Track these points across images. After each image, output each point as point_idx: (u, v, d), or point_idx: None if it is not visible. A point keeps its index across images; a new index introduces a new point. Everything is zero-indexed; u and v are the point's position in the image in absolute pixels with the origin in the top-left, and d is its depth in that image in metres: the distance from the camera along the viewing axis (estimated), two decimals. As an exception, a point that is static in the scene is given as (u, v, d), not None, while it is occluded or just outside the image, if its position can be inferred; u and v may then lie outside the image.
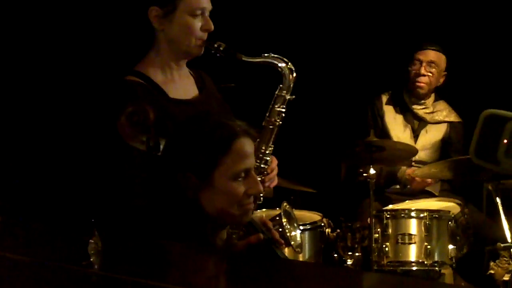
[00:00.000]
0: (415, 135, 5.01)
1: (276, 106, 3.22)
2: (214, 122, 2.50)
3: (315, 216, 4.46)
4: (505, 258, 4.03)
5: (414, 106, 5.03)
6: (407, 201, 4.68)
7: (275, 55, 3.19)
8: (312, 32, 5.38)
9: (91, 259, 1.81)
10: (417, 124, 5.03)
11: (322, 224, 4.37)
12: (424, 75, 4.95)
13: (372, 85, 5.30)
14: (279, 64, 3.19)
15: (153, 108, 2.89)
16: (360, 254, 4.33)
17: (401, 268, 4.24)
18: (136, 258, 2.02)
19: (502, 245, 4.01)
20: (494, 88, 5.25)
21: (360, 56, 5.46)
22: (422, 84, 4.97)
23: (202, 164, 2.42)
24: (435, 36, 5.19)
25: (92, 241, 1.84)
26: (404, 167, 4.87)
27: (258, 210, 4.27)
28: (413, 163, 4.95)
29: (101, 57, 4.27)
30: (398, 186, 4.97)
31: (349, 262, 4.30)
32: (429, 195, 4.93)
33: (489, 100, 5.10)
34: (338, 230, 4.42)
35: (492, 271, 4.05)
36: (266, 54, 3.18)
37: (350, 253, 4.32)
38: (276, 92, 3.23)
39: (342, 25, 5.44)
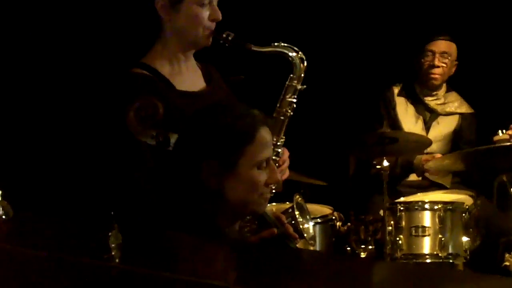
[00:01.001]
0: (427, 127, 4.94)
1: (287, 97, 3.16)
2: (238, 112, 2.53)
3: (325, 210, 4.40)
4: (520, 250, 3.96)
5: (426, 98, 4.96)
6: (419, 194, 4.61)
7: (286, 44, 3.12)
8: (322, 22, 5.31)
9: (112, 253, 1.76)
10: (428, 115, 4.97)
11: (333, 217, 4.31)
12: (438, 67, 4.87)
13: (382, 77, 5.22)
14: (290, 54, 3.13)
15: (161, 101, 2.86)
16: (373, 247, 4.26)
17: (415, 260, 4.17)
18: (154, 250, 1.99)
19: (516, 236, 3.94)
20: (507, 78, 5.18)
21: (369, 48, 5.39)
22: (436, 76, 4.90)
23: (228, 152, 2.45)
24: (444, 25, 5.14)
25: (112, 234, 1.79)
26: (419, 155, 4.78)
27: (268, 204, 4.21)
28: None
29: (108, 49, 4.21)
30: (410, 179, 4.89)
31: (362, 255, 4.23)
32: (441, 187, 4.85)
33: (501, 90, 5.16)
34: (349, 224, 4.36)
35: (507, 263, 3.98)
36: (276, 44, 3.11)
37: (363, 246, 4.25)
38: (287, 82, 3.16)
39: (352, 15, 5.38)
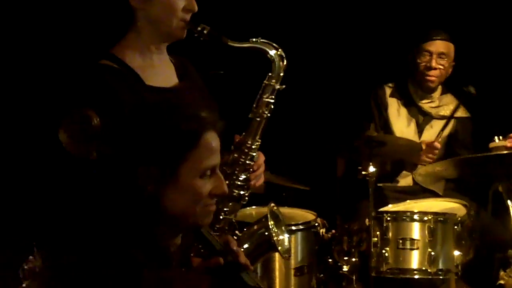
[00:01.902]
0: (419, 130, 4.68)
1: (265, 97, 2.95)
2: (182, 113, 2.26)
3: (308, 215, 4.11)
4: (517, 267, 3.70)
5: (420, 100, 4.70)
6: (408, 201, 4.34)
7: (265, 40, 2.91)
8: (308, 16, 5.07)
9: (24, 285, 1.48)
10: (422, 119, 4.71)
11: (316, 224, 4.00)
12: (435, 68, 4.61)
13: (373, 74, 4.99)
14: (269, 50, 2.92)
15: (95, 111, 2.59)
16: (357, 259, 3.97)
17: (402, 275, 3.89)
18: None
19: (514, 252, 3.68)
20: (505, 81, 4.94)
21: (360, 44, 5.14)
22: (433, 78, 4.65)
23: (168, 157, 2.20)
24: (441, 22, 4.88)
25: (29, 262, 1.51)
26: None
27: (248, 208, 3.98)
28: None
29: (76, 39, 3.94)
30: (400, 184, 4.63)
31: (345, 268, 3.94)
32: (433, 194, 4.60)
33: (498, 93, 4.91)
34: (334, 231, 4.08)
35: (502, 281, 3.72)
36: (254, 39, 2.90)
37: (346, 258, 3.97)
38: (265, 81, 2.95)
39: (340, 10, 5.12)
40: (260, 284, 2.40)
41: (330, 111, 5.07)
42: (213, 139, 2.25)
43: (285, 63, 2.92)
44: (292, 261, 3.76)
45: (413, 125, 4.68)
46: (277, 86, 2.93)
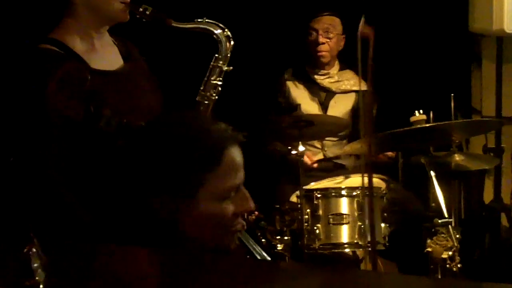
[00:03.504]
0: (324, 107, 4.74)
1: (212, 79, 2.95)
2: (195, 130, 1.95)
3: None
4: (443, 235, 3.80)
5: (317, 77, 4.78)
6: (327, 179, 4.39)
7: (210, 21, 2.90)
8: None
9: (36, 278, 1.41)
10: (324, 95, 4.77)
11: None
12: (323, 43, 4.70)
13: (275, 65, 4.96)
14: (215, 31, 2.90)
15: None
16: (289, 237, 4.01)
17: (334, 250, 3.96)
18: (84, 271, 1.66)
19: (440, 221, 3.79)
20: (406, 58, 5.07)
21: (257, 37, 5.05)
22: (323, 53, 4.73)
23: (183, 184, 1.90)
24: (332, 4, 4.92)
25: (34, 255, 1.44)
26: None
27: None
28: (326, 137, 4.70)
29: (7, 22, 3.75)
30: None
31: (279, 247, 3.98)
32: (344, 170, 4.67)
33: (403, 68, 5.04)
34: (257, 213, 4.09)
35: (429, 249, 3.81)
36: (199, 20, 2.87)
37: (279, 237, 4.00)
38: (212, 63, 2.94)
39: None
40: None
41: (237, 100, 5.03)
42: (236, 155, 1.96)
43: (232, 43, 2.90)
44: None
45: (315, 104, 4.74)
46: (225, 68, 2.92)
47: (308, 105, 4.72)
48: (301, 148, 4.06)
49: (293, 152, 4.09)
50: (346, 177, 4.34)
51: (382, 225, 4.04)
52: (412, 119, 3.99)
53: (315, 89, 4.78)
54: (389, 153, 4.62)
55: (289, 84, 4.78)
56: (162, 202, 1.89)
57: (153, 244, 1.90)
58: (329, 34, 4.71)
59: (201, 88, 2.91)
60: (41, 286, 1.41)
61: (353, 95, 4.81)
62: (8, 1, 3.71)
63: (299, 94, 4.76)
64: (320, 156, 4.70)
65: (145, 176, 1.91)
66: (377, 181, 4.32)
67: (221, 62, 2.91)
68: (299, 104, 4.65)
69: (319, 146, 4.74)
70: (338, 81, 4.80)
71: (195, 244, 1.94)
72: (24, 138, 2.61)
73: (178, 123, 1.96)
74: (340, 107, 4.76)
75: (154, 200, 1.89)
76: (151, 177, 1.91)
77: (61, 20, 2.79)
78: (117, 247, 1.90)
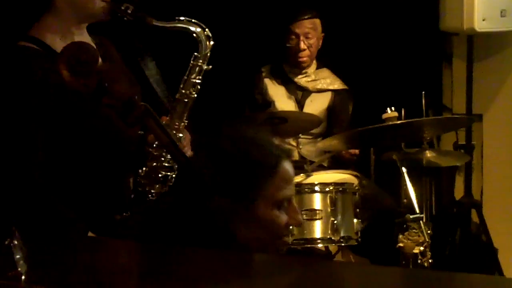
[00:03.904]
0: (300, 106, 4.79)
1: (192, 77, 2.94)
2: (257, 142, 2.16)
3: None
4: (414, 230, 3.87)
5: (294, 76, 4.82)
6: (301, 174, 4.44)
7: (190, 20, 2.90)
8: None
9: (18, 268, 1.45)
10: (300, 94, 4.82)
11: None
12: (304, 49, 4.72)
13: (252, 61, 4.98)
14: (195, 30, 2.91)
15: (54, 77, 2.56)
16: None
17: (307, 245, 4.01)
18: (64, 264, 1.71)
19: (411, 216, 3.86)
20: (378, 56, 5.12)
21: (236, 32, 5.07)
22: (304, 59, 4.76)
23: (244, 189, 2.08)
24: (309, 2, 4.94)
25: (16, 247, 1.47)
26: None
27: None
28: (300, 136, 4.73)
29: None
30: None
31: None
32: (320, 167, 4.72)
33: (374, 66, 5.10)
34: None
35: (401, 244, 3.88)
36: (181, 18, 2.88)
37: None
38: (192, 61, 2.94)
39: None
40: None
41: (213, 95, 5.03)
42: (289, 168, 2.16)
43: (212, 43, 2.92)
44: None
45: (292, 102, 4.78)
46: (204, 67, 2.93)
47: (285, 103, 4.78)
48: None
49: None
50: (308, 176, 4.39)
51: (355, 220, 4.08)
52: (384, 116, 4.05)
53: (291, 87, 4.82)
54: (353, 151, 4.66)
55: (267, 81, 4.82)
56: (221, 205, 2.05)
57: (201, 244, 2.01)
58: (310, 39, 4.73)
59: (181, 86, 2.92)
60: (23, 277, 1.45)
61: (329, 94, 4.86)
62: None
63: (276, 92, 4.80)
64: (295, 154, 4.75)
65: (210, 180, 2.07)
66: (349, 177, 4.38)
67: (200, 61, 2.92)
68: (273, 101, 4.72)
69: (294, 143, 4.78)
70: (314, 80, 4.84)
71: (244, 248, 2.09)
72: (6, 136, 2.62)
73: (243, 135, 2.18)
74: (316, 106, 4.81)
75: (213, 202, 2.05)
76: (216, 181, 2.07)
77: (41, 17, 2.80)
78: (97, 240, 1.97)
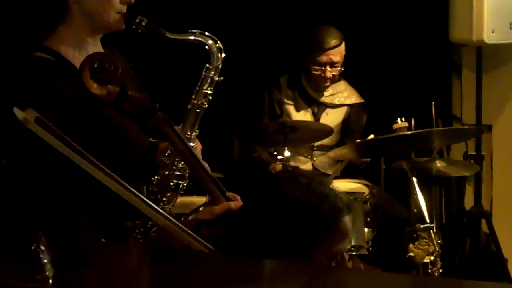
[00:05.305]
0: (316, 119, 4.79)
1: (203, 88, 2.96)
2: (318, 196, 2.08)
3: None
4: (424, 240, 3.90)
5: (312, 91, 4.79)
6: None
7: (203, 32, 2.94)
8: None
9: (46, 272, 1.49)
10: (316, 108, 4.81)
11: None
12: (329, 78, 4.66)
13: (267, 68, 5.03)
14: (207, 42, 2.94)
15: (68, 88, 2.65)
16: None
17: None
18: (89, 266, 1.73)
19: (421, 226, 3.89)
20: (389, 67, 5.18)
21: (253, 39, 5.15)
22: (327, 84, 4.71)
23: (301, 245, 2.04)
24: (328, 15, 4.97)
25: (43, 251, 1.52)
26: (274, 164, 4.58)
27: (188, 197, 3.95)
28: (315, 148, 4.79)
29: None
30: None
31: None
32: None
33: (385, 77, 5.14)
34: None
35: (411, 253, 3.91)
36: (193, 31, 2.92)
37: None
38: (203, 73, 2.97)
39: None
40: None
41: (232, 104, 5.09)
42: (349, 222, 2.11)
43: (223, 55, 2.95)
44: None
45: (309, 115, 4.79)
46: (216, 78, 2.96)
47: (301, 116, 4.77)
48: (287, 153, 4.14)
49: (279, 157, 4.17)
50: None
51: (366, 229, 4.15)
52: (394, 126, 4.10)
53: (309, 101, 4.81)
54: (364, 160, 4.67)
55: (285, 92, 4.80)
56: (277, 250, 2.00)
57: None
58: (336, 68, 4.65)
59: (193, 96, 2.95)
60: (50, 281, 1.48)
61: (344, 108, 4.88)
62: (2, 8, 3.77)
63: (292, 104, 4.79)
64: (309, 165, 4.79)
65: (271, 234, 2.04)
66: (360, 186, 4.45)
67: (212, 72, 2.95)
68: (284, 110, 4.75)
69: (308, 155, 4.83)
70: (332, 95, 4.84)
71: None
72: (19, 142, 2.65)
73: (304, 189, 2.08)
74: (331, 119, 4.83)
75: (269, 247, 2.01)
76: (278, 234, 2.03)
77: (56, 28, 2.83)
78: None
